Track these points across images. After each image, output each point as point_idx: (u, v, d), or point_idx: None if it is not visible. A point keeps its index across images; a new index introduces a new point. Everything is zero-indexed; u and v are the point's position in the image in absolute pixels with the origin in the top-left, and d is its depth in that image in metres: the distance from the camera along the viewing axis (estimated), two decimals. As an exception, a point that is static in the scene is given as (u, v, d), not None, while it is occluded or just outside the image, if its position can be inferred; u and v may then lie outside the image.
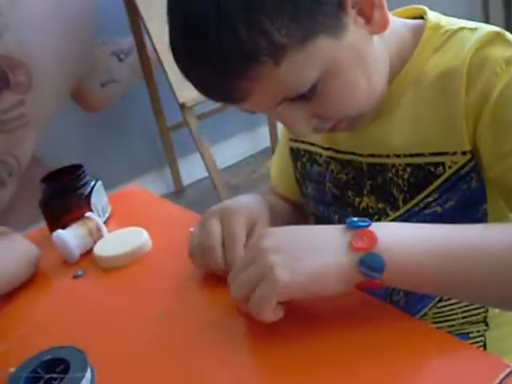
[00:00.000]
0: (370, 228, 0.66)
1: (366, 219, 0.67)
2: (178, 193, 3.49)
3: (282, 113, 0.75)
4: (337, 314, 0.71)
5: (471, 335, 0.88)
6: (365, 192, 0.88)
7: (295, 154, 1.02)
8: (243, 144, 3.74)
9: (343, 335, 0.67)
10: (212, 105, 3.20)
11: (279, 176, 1.11)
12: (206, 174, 3.03)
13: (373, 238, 0.65)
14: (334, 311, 0.71)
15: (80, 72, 3.03)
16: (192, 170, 3.45)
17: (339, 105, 0.76)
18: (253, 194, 0.93)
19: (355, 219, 0.67)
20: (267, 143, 3.75)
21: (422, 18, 0.85)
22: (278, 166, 1.11)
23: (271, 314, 0.66)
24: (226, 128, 3.58)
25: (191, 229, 0.87)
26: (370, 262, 0.64)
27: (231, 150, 3.65)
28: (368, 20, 0.74)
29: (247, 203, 0.87)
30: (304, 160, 0.99)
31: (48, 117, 2.95)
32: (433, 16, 0.83)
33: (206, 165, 2.90)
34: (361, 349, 0.64)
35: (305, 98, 0.72)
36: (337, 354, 0.65)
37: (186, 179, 3.52)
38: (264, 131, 3.71)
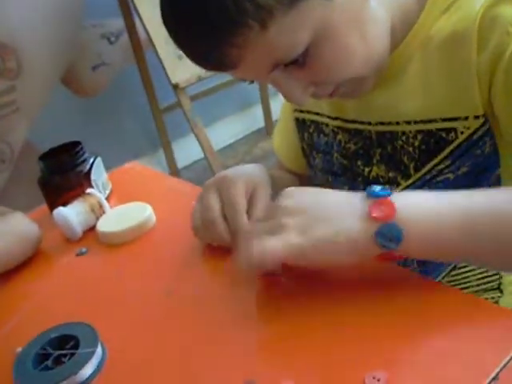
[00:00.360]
0: (390, 198, 0.62)
1: (387, 188, 0.64)
2: (172, 175, 3.45)
3: (277, 81, 0.73)
4: (350, 278, 0.69)
5: None
6: (374, 161, 0.86)
7: (301, 124, 0.99)
8: (237, 125, 3.72)
9: (358, 298, 0.66)
10: (205, 86, 3.17)
11: (284, 149, 1.09)
12: (201, 156, 3.01)
13: (392, 208, 0.61)
14: (347, 276, 0.70)
15: (70, 56, 2.99)
16: (186, 152, 3.42)
17: (334, 69, 0.72)
18: (251, 164, 0.90)
19: (376, 188, 0.64)
20: (261, 123, 3.73)
21: None
22: (283, 139, 1.09)
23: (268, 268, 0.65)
24: (219, 109, 3.55)
25: (194, 202, 0.85)
26: (387, 233, 0.61)
27: (225, 132, 3.62)
28: None
29: (244, 171, 0.85)
30: (310, 130, 0.97)
31: (40, 103, 2.91)
32: None
33: (201, 146, 2.87)
34: (374, 307, 0.64)
35: (298, 63, 0.70)
36: (351, 318, 0.63)
37: (181, 161, 3.49)
38: (258, 111, 3.69)
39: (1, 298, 0.87)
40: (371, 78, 0.78)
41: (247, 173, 0.84)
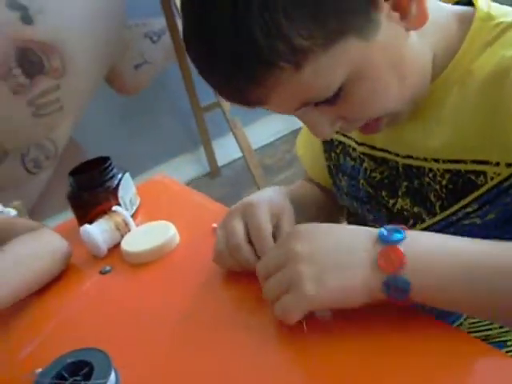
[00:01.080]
0: (401, 246, 0.62)
1: (401, 229, 0.64)
2: (213, 173, 3.49)
3: (305, 117, 0.71)
4: (366, 318, 0.68)
5: (509, 343, 0.83)
6: (399, 193, 0.83)
7: (328, 143, 0.96)
8: (277, 123, 3.71)
9: (371, 339, 0.65)
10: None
11: (309, 161, 1.08)
12: (241, 155, 3.02)
13: (400, 259, 0.61)
14: (363, 315, 0.68)
15: (114, 55, 3.03)
16: (227, 150, 3.44)
17: (367, 106, 0.70)
18: (272, 187, 0.90)
19: (389, 229, 0.64)
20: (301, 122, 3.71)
21: (470, 3, 0.77)
22: (307, 151, 1.07)
23: (294, 320, 0.66)
24: (259, 108, 3.55)
25: (214, 225, 0.86)
26: (395, 284, 0.62)
27: (265, 130, 3.62)
28: (404, 15, 0.66)
29: (267, 196, 0.84)
30: (337, 151, 0.94)
31: (83, 101, 2.97)
32: (483, 3, 0.74)
33: (239, 146, 2.88)
34: (389, 354, 0.63)
35: (329, 101, 0.67)
36: (362, 360, 0.63)
37: (221, 160, 3.51)
38: (298, 110, 3.67)
39: (26, 317, 0.89)
40: (405, 111, 0.75)
41: (271, 199, 0.83)
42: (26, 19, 2.63)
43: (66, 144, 2.95)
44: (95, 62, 2.94)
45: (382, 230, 0.64)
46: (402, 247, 0.62)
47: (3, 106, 2.71)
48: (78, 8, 2.79)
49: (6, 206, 1.09)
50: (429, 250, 0.63)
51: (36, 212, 2.84)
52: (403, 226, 0.65)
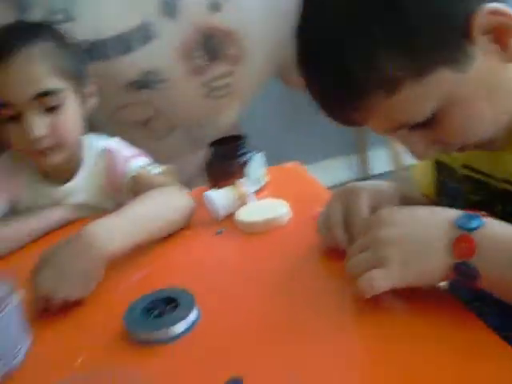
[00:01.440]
0: (475, 235, 0.65)
1: (478, 216, 0.67)
2: (362, 180, 3.49)
3: (401, 137, 0.75)
4: (429, 319, 0.71)
5: None
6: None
7: (439, 164, 0.97)
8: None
9: (428, 340, 0.67)
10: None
11: (421, 178, 1.07)
12: (392, 169, 3.03)
13: (471, 248, 0.65)
14: (429, 318, 0.71)
15: (286, 51, 3.13)
16: (379, 161, 3.45)
17: (462, 133, 0.73)
18: (384, 181, 0.95)
19: (467, 216, 0.67)
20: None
21: None
22: (422, 172, 1.07)
23: (378, 291, 0.71)
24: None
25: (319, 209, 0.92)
26: (464, 270, 0.66)
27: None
28: (503, 48, 0.68)
29: (372, 185, 0.90)
30: (445, 173, 0.96)
31: (252, 90, 3.10)
32: None
33: (392, 159, 2.90)
34: (449, 359, 0.64)
35: (424, 125, 0.71)
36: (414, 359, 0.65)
37: (373, 169, 3.54)
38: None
39: (146, 251, 1.03)
40: (502, 136, 0.76)
41: (374, 189, 0.89)
42: (215, 6, 2.79)
43: (229, 128, 3.10)
44: (269, 54, 3.05)
45: (460, 216, 0.68)
46: (475, 236, 0.65)
47: (181, 84, 2.89)
48: (260, 2, 2.93)
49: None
50: (502, 241, 0.66)
51: (190, 187, 3.02)
52: (483, 213, 0.68)
